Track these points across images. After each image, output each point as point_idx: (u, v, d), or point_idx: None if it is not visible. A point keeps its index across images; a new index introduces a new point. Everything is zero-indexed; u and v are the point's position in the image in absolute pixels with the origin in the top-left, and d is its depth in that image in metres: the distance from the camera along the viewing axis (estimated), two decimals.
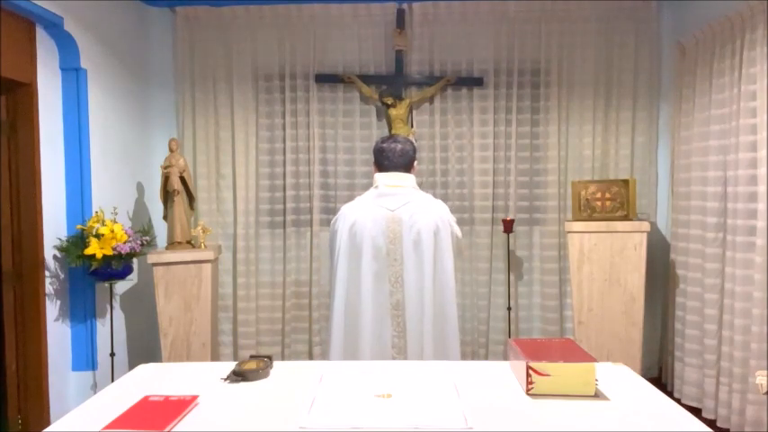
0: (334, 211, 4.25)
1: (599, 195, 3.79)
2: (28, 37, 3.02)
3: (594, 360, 1.47)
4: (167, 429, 1.26)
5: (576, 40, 4.16)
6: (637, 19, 4.12)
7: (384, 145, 2.42)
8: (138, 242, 3.35)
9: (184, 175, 3.61)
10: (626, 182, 3.76)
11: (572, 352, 1.54)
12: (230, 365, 1.66)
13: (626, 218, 3.72)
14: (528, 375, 1.45)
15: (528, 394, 1.45)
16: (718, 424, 3.30)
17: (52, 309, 3.15)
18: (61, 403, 3.14)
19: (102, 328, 3.44)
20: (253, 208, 4.25)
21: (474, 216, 4.24)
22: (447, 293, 2.35)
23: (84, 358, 3.33)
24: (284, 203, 4.28)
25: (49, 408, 3.08)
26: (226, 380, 1.59)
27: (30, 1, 2.83)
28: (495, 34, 4.18)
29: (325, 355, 2.47)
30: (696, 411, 3.42)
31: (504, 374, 1.62)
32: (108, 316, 3.46)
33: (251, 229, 4.25)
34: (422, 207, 2.34)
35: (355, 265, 2.30)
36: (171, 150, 3.60)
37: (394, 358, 2.26)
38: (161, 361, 3.46)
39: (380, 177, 2.39)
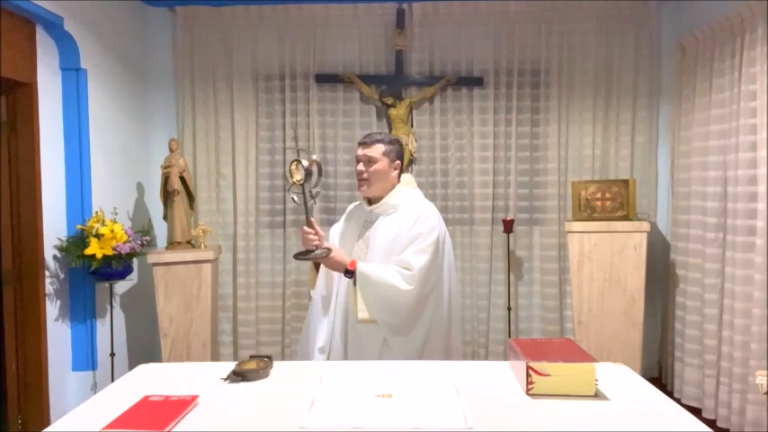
0: (334, 211, 4.25)
1: (599, 195, 3.78)
2: (28, 37, 3.02)
3: (594, 360, 1.47)
4: (167, 429, 1.26)
5: (575, 40, 4.15)
6: (637, 19, 4.11)
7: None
8: (138, 242, 3.35)
9: (184, 175, 3.61)
10: (626, 182, 3.76)
11: (572, 352, 1.54)
12: (230, 365, 1.66)
13: (626, 218, 3.72)
14: (528, 375, 1.45)
15: (528, 394, 1.45)
16: (719, 424, 3.30)
17: (52, 309, 3.15)
18: (61, 403, 3.14)
19: (102, 328, 3.44)
20: (253, 208, 4.25)
21: (474, 216, 4.23)
22: None
23: (84, 358, 3.33)
24: (284, 203, 4.28)
25: (48, 408, 3.08)
26: (226, 380, 1.59)
27: (30, 1, 2.83)
28: (495, 34, 4.18)
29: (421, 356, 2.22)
30: (696, 411, 3.42)
31: (504, 374, 1.62)
32: (108, 316, 3.46)
33: (251, 229, 4.24)
34: None
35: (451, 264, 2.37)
36: (171, 150, 3.61)
37: None
38: (161, 361, 3.46)
39: (411, 178, 2.42)
